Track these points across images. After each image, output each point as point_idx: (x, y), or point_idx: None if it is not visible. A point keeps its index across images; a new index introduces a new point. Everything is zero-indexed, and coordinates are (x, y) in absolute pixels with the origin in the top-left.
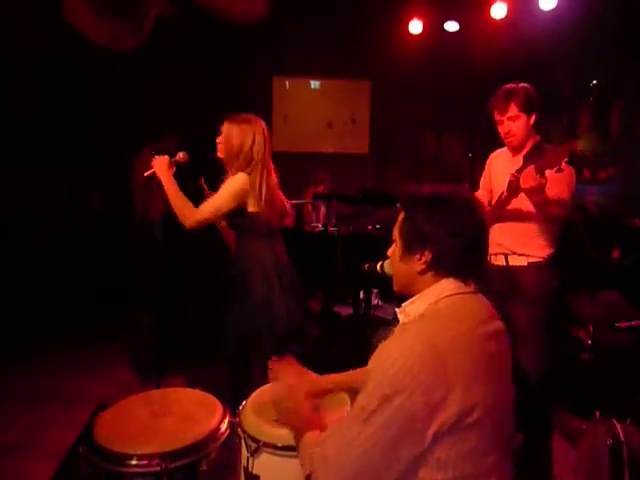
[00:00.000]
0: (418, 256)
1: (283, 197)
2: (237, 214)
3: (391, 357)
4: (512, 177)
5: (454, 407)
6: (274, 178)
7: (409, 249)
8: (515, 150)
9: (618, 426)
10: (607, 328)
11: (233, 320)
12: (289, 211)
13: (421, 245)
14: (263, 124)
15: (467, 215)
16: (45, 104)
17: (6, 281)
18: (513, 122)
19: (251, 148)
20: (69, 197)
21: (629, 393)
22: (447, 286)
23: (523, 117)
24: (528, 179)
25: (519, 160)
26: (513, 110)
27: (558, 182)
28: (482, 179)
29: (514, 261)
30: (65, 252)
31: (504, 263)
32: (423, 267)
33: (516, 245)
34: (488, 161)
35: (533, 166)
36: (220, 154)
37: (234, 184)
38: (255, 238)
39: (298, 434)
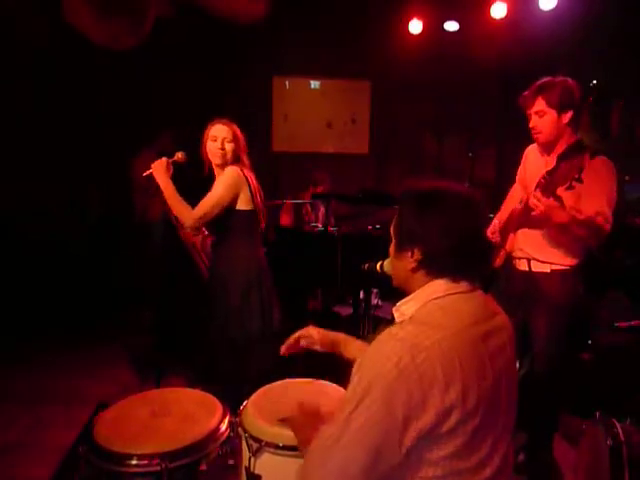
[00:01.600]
0: (409, 254)
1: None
2: (228, 212)
3: (372, 361)
4: (541, 179)
5: (432, 411)
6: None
7: (401, 246)
8: (544, 148)
9: (618, 426)
10: (607, 328)
11: (211, 323)
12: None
13: (412, 243)
14: None
15: (460, 213)
16: (45, 104)
17: (6, 281)
18: (540, 118)
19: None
20: (69, 197)
21: (629, 393)
22: (438, 288)
23: (552, 113)
24: (536, 203)
25: (553, 160)
26: (540, 105)
27: (593, 194)
28: (518, 172)
29: (537, 267)
30: (65, 252)
31: (527, 268)
32: (414, 265)
33: (538, 252)
34: (525, 154)
35: (539, 188)
36: (226, 157)
37: (228, 176)
38: (241, 240)
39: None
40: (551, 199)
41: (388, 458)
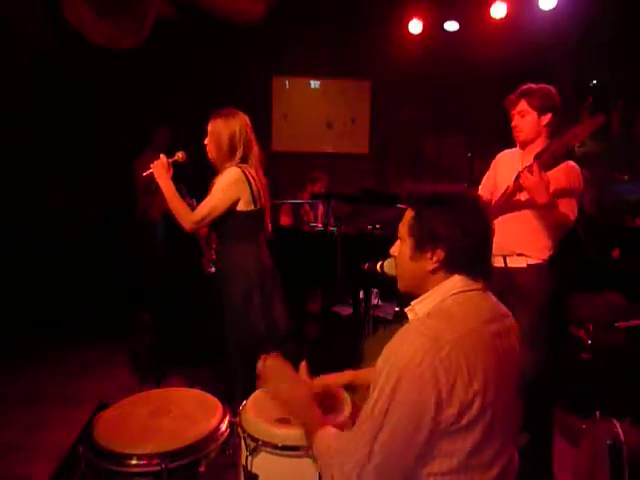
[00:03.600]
0: (429, 255)
1: (268, 194)
2: (227, 215)
3: (398, 356)
4: (520, 171)
5: (457, 403)
6: (261, 172)
7: (420, 248)
8: (522, 145)
9: (618, 426)
10: (607, 328)
11: (219, 323)
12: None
13: (433, 244)
14: (246, 117)
15: (476, 214)
16: (45, 104)
17: (6, 281)
18: (522, 117)
19: (240, 140)
20: (69, 197)
21: (629, 393)
22: (456, 284)
23: (533, 114)
24: (527, 176)
25: (530, 158)
26: (522, 105)
27: (562, 190)
28: (485, 179)
29: (513, 262)
30: (65, 252)
31: (502, 265)
32: (435, 266)
33: (515, 245)
34: (494, 161)
35: (537, 162)
36: (210, 155)
37: (227, 178)
38: (241, 241)
39: (310, 430)
40: (545, 174)
41: (418, 451)
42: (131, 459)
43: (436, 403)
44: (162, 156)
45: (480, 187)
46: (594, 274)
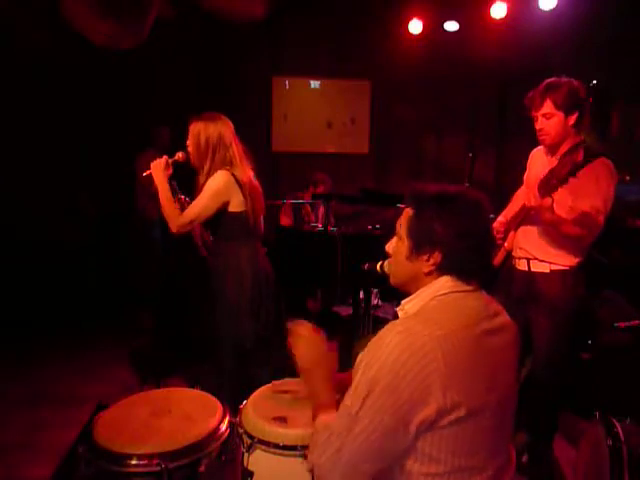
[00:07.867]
0: (426, 257)
1: (262, 196)
2: (218, 215)
3: (377, 353)
4: (543, 178)
5: (434, 405)
6: (252, 175)
7: (418, 249)
8: (550, 150)
9: (618, 426)
10: (607, 328)
11: (210, 320)
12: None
13: (431, 246)
14: (229, 121)
15: (476, 215)
16: (45, 104)
17: (6, 282)
18: (547, 120)
19: (220, 143)
20: (68, 197)
21: (629, 393)
22: (445, 284)
23: (559, 115)
24: (532, 203)
25: (556, 161)
26: (548, 107)
27: (589, 193)
28: (525, 175)
29: (536, 267)
30: (65, 252)
31: (526, 268)
32: (431, 268)
33: (537, 251)
34: (530, 156)
35: (539, 187)
36: (191, 156)
37: (216, 182)
38: (235, 241)
39: (315, 408)
40: (546, 198)
41: (395, 451)
42: (131, 459)
43: (411, 401)
44: (165, 157)
45: (524, 183)
46: (594, 274)
